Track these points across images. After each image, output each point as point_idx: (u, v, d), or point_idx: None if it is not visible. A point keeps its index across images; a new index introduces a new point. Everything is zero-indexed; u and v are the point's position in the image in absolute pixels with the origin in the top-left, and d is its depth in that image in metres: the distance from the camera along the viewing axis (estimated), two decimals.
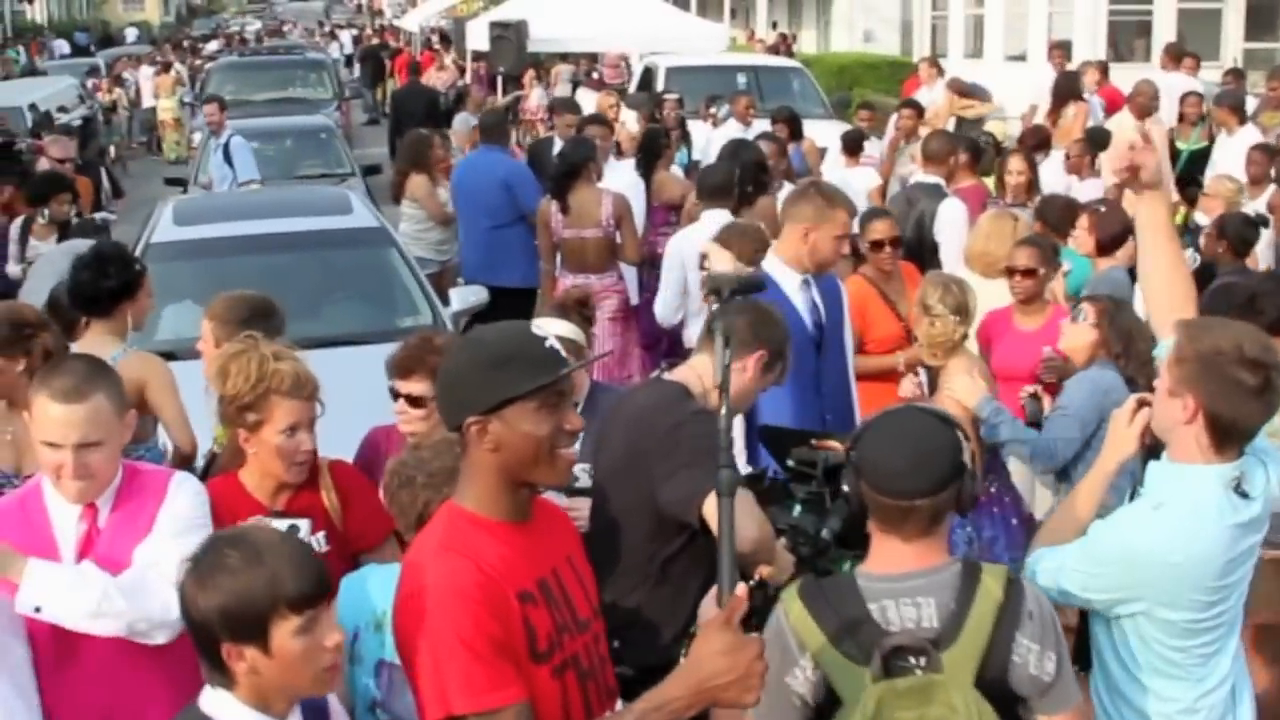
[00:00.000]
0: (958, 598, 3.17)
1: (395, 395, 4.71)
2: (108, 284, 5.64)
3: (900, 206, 9.06)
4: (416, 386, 4.62)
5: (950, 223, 8.53)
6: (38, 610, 3.52)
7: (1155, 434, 3.69)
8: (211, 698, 2.88)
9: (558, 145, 11.06)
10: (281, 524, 3.97)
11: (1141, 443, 3.75)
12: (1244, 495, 3.54)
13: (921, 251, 8.50)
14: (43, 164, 11.42)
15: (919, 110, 14.14)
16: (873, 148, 13.63)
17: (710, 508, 3.83)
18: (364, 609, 3.80)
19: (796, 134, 12.22)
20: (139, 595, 3.56)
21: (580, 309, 5.40)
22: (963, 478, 3.22)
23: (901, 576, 3.20)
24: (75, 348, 5.57)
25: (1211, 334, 3.56)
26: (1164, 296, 4.01)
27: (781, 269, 5.70)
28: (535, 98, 29.24)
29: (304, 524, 4.11)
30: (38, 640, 3.67)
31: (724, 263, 6.10)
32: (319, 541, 4.11)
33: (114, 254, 5.86)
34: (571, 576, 3.11)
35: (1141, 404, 3.75)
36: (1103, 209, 7.63)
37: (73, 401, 3.61)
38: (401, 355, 4.74)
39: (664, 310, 8.09)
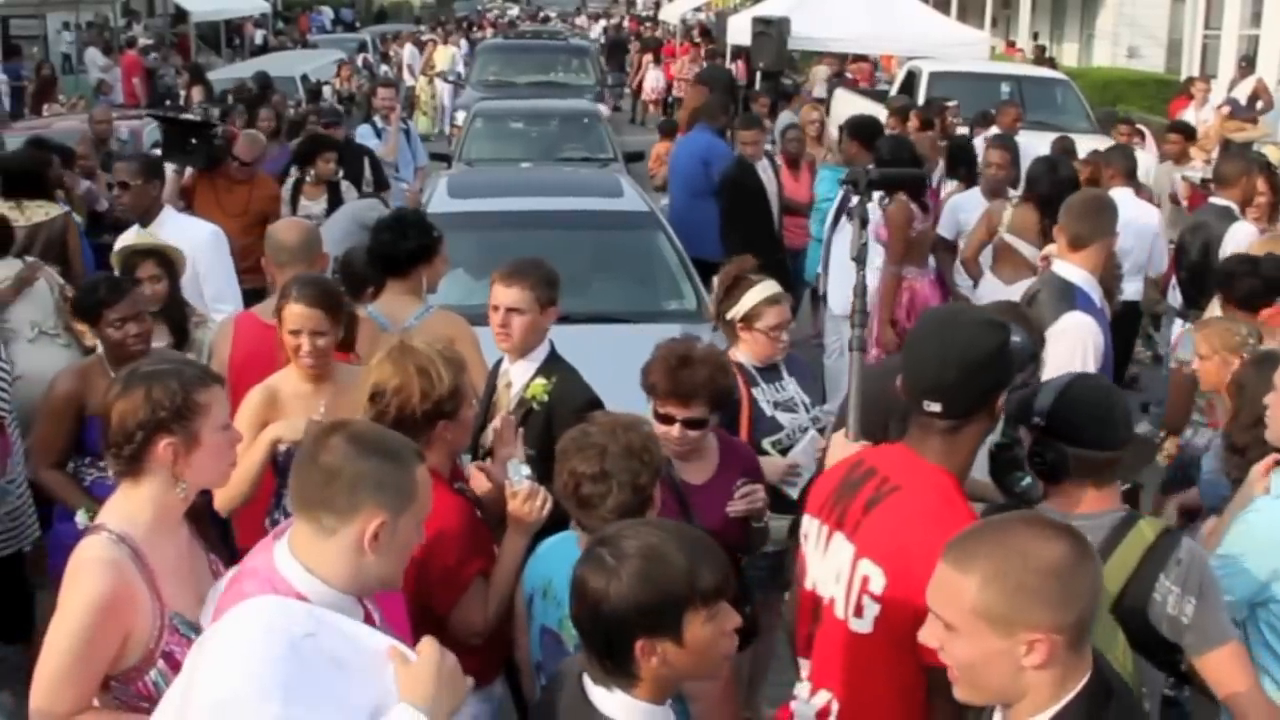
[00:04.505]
0: (1111, 536, 3.55)
1: (668, 419, 4.57)
2: (406, 245, 5.82)
3: (1187, 230, 8.86)
4: (698, 411, 4.56)
5: (1236, 245, 8.26)
6: None
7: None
8: (607, 699, 2.81)
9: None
10: (525, 469, 4.04)
11: None
12: None
13: (1207, 275, 8.23)
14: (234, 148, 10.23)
15: (1188, 133, 13.59)
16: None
17: None
18: (539, 575, 3.82)
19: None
20: None
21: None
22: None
23: (1075, 517, 3.47)
24: (374, 308, 5.79)
25: None
26: None
27: (1093, 285, 5.70)
28: (650, 80, 30.03)
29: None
30: None
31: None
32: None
33: (414, 218, 6.07)
34: None
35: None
36: None
37: None
38: (675, 381, 4.58)
39: None
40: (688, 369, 4.55)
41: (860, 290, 4.49)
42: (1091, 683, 2.58)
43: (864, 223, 4.51)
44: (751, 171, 10.91)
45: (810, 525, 3.58)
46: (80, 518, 5.06)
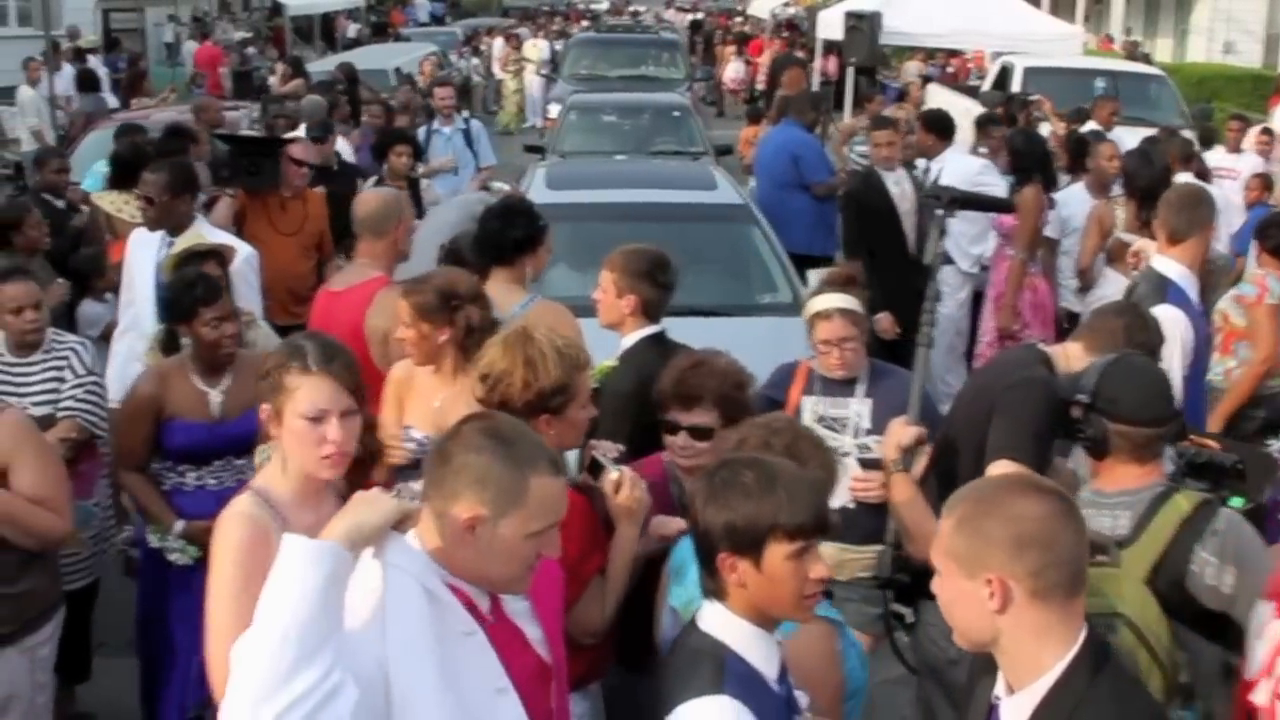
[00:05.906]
0: (1148, 509, 3.63)
1: (673, 429, 4.29)
2: (513, 234, 5.89)
3: None
4: (703, 418, 4.26)
5: None
6: None
7: None
8: (708, 610, 3.07)
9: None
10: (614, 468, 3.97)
11: None
12: None
13: None
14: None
15: None
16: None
17: (993, 470, 4.04)
18: (677, 557, 3.81)
19: None
20: None
21: (852, 284, 5.33)
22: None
23: (1114, 493, 3.72)
24: None
25: None
26: None
27: (1189, 280, 5.69)
28: (730, 70, 30.15)
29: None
30: None
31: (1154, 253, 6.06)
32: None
33: (521, 207, 6.17)
34: None
35: None
36: None
37: None
38: (678, 382, 4.32)
39: None
40: (695, 371, 4.31)
41: (934, 295, 4.81)
42: (1083, 652, 2.69)
43: (942, 233, 4.73)
44: (878, 185, 9.77)
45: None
46: (151, 539, 5.25)
